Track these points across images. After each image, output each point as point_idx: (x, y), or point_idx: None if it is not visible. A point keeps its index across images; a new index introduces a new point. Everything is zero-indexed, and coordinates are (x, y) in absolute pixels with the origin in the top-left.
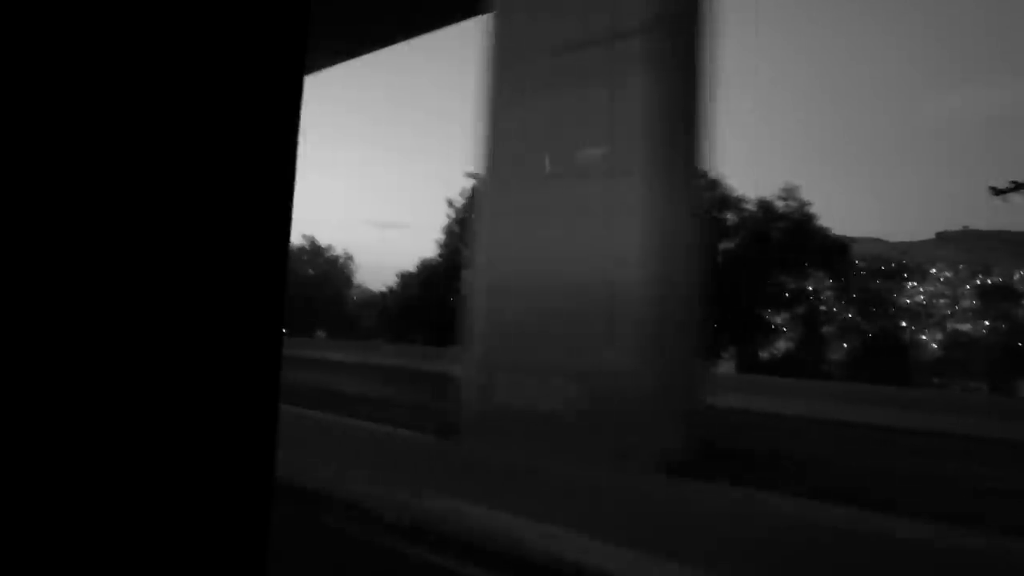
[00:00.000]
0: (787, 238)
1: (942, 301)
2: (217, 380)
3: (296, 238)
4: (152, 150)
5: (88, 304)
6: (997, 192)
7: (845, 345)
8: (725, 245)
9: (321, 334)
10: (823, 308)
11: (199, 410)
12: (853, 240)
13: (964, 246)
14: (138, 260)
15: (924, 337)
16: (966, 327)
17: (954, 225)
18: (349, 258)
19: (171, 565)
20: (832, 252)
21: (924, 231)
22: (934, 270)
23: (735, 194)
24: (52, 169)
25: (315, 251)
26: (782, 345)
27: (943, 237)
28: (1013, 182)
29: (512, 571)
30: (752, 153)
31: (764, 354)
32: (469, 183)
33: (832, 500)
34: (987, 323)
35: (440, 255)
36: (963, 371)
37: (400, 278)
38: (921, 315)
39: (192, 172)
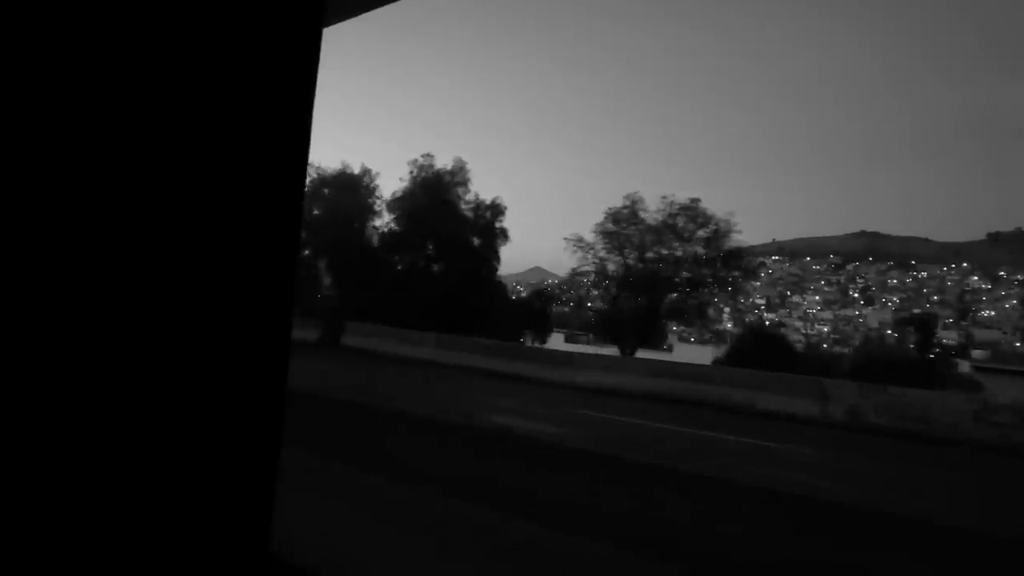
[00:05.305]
0: None
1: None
2: (223, 370)
3: None
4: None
5: (100, 294)
6: None
7: None
8: None
9: None
10: None
11: (208, 405)
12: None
13: (1018, 247)
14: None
15: None
16: None
17: (1007, 226)
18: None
19: (179, 552)
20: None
21: (975, 232)
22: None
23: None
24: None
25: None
26: None
27: (995, 238)
28: None
29: None
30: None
31: None
32: None
33: None
34: None
35: None
36: None
37: None
38: None
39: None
